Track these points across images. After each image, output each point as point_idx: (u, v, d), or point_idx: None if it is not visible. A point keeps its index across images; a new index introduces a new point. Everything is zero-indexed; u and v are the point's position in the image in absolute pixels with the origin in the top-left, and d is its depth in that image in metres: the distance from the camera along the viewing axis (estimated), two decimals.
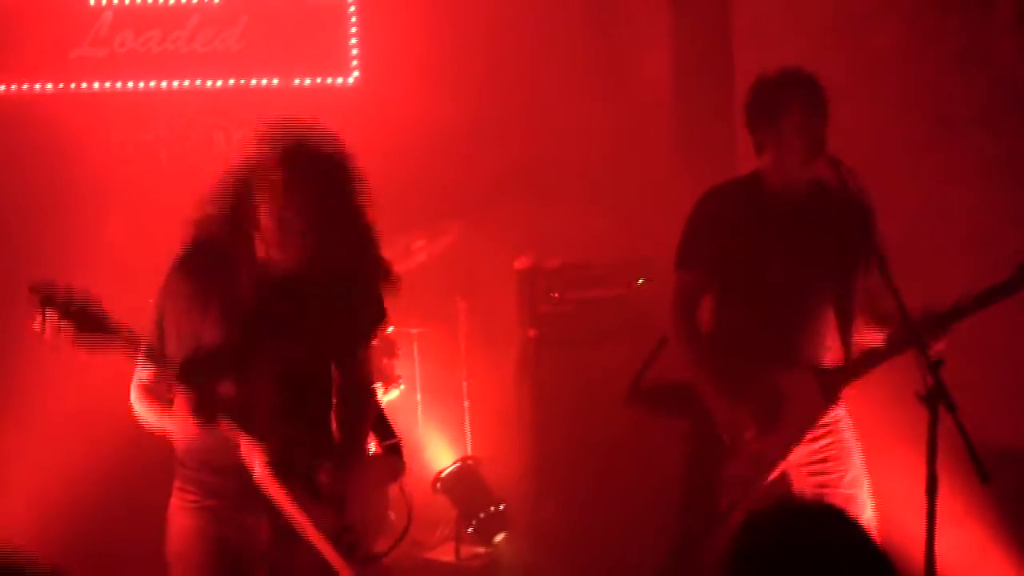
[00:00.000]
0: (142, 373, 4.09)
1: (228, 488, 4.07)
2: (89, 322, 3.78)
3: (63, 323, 3.75)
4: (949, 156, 6.23)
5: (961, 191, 6.21)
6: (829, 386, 4.86)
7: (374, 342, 4.48)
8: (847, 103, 6.27)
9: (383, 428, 4.43)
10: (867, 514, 4.86)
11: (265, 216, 4.00)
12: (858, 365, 4.88)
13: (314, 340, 4.14)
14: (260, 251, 4.07)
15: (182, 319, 4.04)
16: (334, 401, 4.28)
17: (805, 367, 4.86)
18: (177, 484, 4.18)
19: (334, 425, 4.24)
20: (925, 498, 4.10)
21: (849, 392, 4.92)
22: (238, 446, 3.97)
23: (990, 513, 5.51)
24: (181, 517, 4.15)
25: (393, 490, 4.84)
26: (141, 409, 4.12)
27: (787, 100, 4.88)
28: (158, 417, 4.07)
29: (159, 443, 4.26)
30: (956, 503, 4.63)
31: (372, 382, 4.47)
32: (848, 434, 4.96)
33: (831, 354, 4.93)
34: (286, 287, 4.09)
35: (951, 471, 4.09)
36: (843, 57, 6.80)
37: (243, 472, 4.00)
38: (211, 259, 4.08)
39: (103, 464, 6.56)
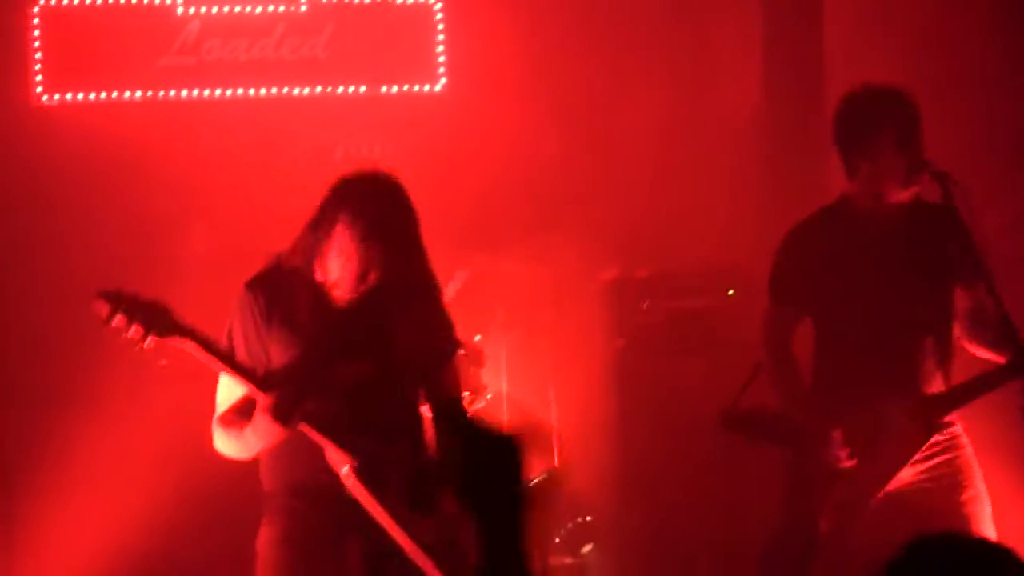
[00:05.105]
0: (220, 409, 4.12)
1: (316, 516, 4.07)
2: (158, 326, 3.79)
3: (132, 327, 3.77)
4: None
5: None
6: (929, 413, 4.77)
7: (456, 361, 4.46)
8: (936, 118, 6.21)
9: None
10: (991, 536, 4.76)
11: (338, 249, 4.13)
12: (961, 394, 4.79)
13: (381, 355, 4.14)
14: (319, 275, 4.18)
15: (250, 336, 4.08)
16: (425, 424, 4.29)
17: (904, 395, 4.78)
18: (265, 518, 4.19)
19: (431, 446, 4.23)
20: None
21: (963, 413, 4.83)
22: (323, 452, 3.96)
23: None
24: (270, 550, 4.14)
25: None
26: (224, 439, 4.13)
27: (880, 118, 4.76)
28: (242, 437, 4.06)
29: (248, 478, 4.28)
30: None
31: (461, 404, 4.46)
32: (965, 453, 4.86)
33: (933, 378, 4.85)
34: (347, 307, 4.17)
35: None
36: (934, 73, 6.71)
37: (331, 493, 4.00)
38: (277, 279, 4.18)
39: (191, 500, 6.60)
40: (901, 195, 4.77)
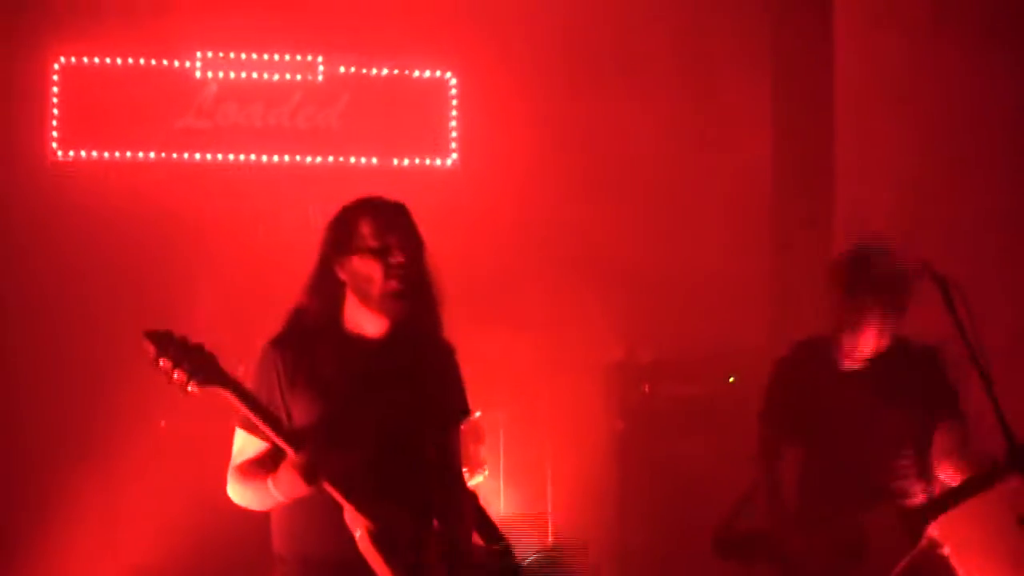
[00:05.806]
0: (238, 459, 4.12)
1: None
2: (202, 372, 3.80)
3: (176, 371, 3.78)
4: None
5: None
6: (915, 520, 4.79)
7: (461, 428, 4.46)
8: (947, 210, 6.26)
9: (488, 528, 4.39)
10: None
11: (360, 262, 4.06)
12: (947, 498, 4.81)
13: (401, 412, 4.14)
14: (348, 323, 4.14)
15: (273, 394, 4.08)
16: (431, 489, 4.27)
17: (887, 506, 4.82)
18: None
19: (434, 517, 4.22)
20: None
21: (951, 530, 4.85)
22: (340, 511, 3.95)
23: None
24: None
25: None
26: (240, 490, 4.12)
27: (857, 281, 4.88)
28: (261, 490, 4.05)
29: (258, 538, 4.27)
30: None
31: (461, 474, 4.45)
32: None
33: (915, 492, 4.90)
34: (372, 359, 4.13)
35: None
36: (945, 163, 6.78)
37: (342, 562, 3.99)
38: (301, 335, 4.15)
39: (201, 551, 6.60)
40: (879, 343, 4.87)
